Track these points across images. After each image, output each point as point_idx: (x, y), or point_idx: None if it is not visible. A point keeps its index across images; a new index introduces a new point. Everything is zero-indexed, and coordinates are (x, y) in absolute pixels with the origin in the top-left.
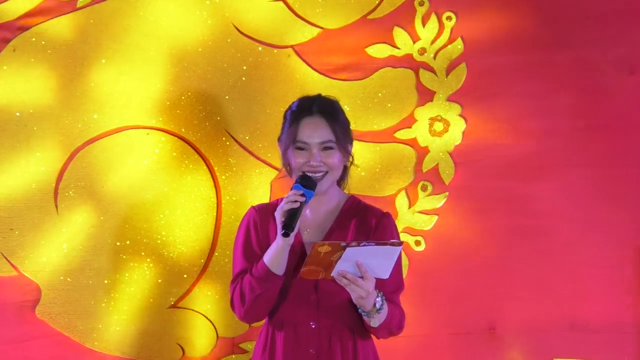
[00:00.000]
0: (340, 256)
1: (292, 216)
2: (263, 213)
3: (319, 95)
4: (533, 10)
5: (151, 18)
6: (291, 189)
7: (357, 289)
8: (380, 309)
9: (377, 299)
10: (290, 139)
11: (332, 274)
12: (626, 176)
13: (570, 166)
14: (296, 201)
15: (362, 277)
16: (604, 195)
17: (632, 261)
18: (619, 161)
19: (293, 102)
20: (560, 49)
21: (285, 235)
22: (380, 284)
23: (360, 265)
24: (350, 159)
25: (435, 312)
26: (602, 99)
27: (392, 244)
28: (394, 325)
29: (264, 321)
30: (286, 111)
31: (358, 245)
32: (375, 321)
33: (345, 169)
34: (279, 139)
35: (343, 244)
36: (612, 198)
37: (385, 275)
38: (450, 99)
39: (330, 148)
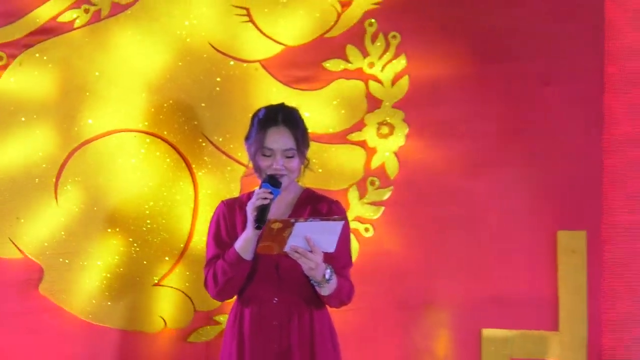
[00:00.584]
0: (291, 232)
1: (262, 211)
2: (230, 207)
3: (283, 105)
4: (467, 30)
5: (139, 37)
6: (260, 187)
7: (307, 261)
8: (329, 279)
9: (327, 271)
10: (258, 145)
11: (284, 249)
12: (545, 172)
13: (499, 164)
14: (266, 198)
15: (311, 251)
16: (526, 189)
17: (550, 245)
18: (539, 159)
19: (260, 110)
20: (490, 63)
21: (258, 228)
22: (331, 260)
23: (309, 240)
24: (306, 162)
25: (381, 289)
26: (525, 106)
27: (335, 219)
28: (343, 295)
29: (234, 298)
30: (253, 116)
31: (305, 221)
32: (325, 290)
33: (306, 164)
34: (246, 139)
35: (292, 220)
36: (533, 191)
37: (331, 249)
38: (395, 106)
39: (292, 156)
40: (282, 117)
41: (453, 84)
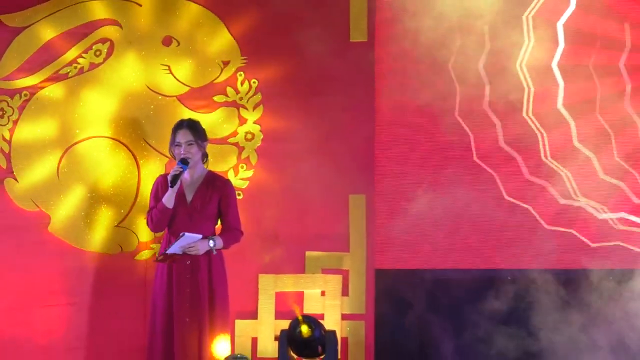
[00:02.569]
0: (178, 239)
1: (175, 177)
2: (163, 178)
3: (188, 118)
4: (298, 77)
5: (111, 81)
6: (176, 165)
7: (194, 250)
8: (214, 247)
9: (210, 243)
10: (172, 141)
11: (177, 252)
12: (341, 156)
13: (315, 156)
14: (177, 170)
15: (193, 247)
16: (332, 169)
17: (345, 203)
18: (339, 147)
19: (176, 122)
20: (312, 97)
21: (172, 185)
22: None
23: (187, 238)
24: (206, 156)
25: (248, 228)
26: (336, 121)
27: (193, 235)
28: (231, 242)
29: (165, 231)
30: (172, 128)
31: (184, 235)
32: (214, 250)
33: (205, 156)
34: (170, 141)
35: (180, 234)
36: (336, 170)
37: (197, 238)
38: (255, 122)
39: (192, 144)
40: (186, 124)
41: (290, 109)
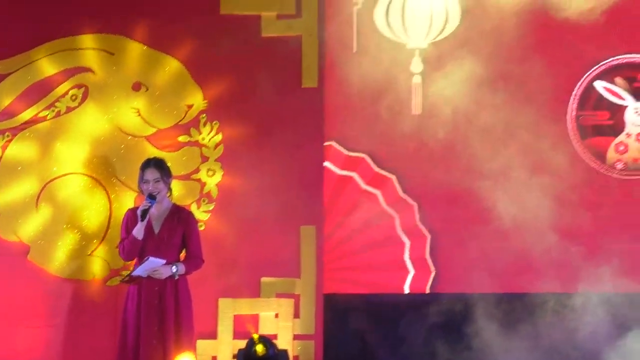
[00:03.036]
0: (143, 262)
1: (144, 212)
2: (132, 211)
3: (154, 157)
4: (261, 115)
5: (85, 123)
6: (145, 200)
7: (158, 274)
8: (176, 273)
9: (173, 269)
10: (140, 178)
11: (142, 274)
12: (293, 189)
13: (270, 187)
14: (146, 205)
15: (156, 271)
16: (285, 203)
17: (297, 233)
18: (292, 182)
19: (144, 161)
20: (272, 136)
21: (142, 219)
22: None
23: (152, 262)
24: (170, 191)
25: (207, 256)
26: (289, 159)
27: (157, 260)
28: (192, 269)
29: (135, 260)
30: (140, 166)
31: (148, 259)
32: (176, 275)
33: (170, 190)
34: (139, 180)
35: (145, 258)
36: (288, 203)
37: (161, 263)
38: (217, 160)
39: (158, 181)
40: (153, 162)
41: (249, 148)
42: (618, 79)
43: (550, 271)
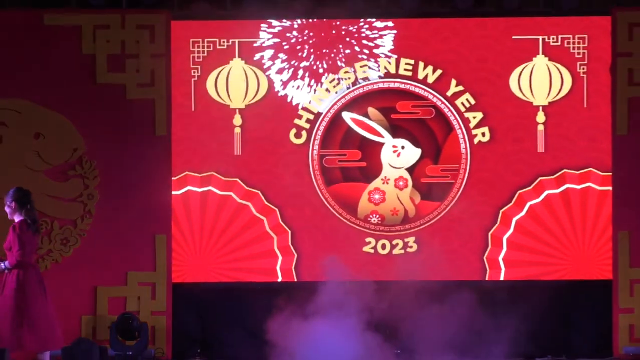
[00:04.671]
0: None
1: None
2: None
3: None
4: (128, 158)
5: (1, 164)
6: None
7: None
8: (4, 268)
9: (1, 265)
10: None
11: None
12: (148, 204)
13: (130, 207)
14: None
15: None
16: (140, 209)
17: (154, 242)
18: (143, 199)
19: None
20: (126, 175)
21: None
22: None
23: None
24: (17, 209)
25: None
26: (140, 190)
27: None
28: (11, 264)
29: None
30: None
31: None
32: (6, 269)
33: (17, 210)
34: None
35: None
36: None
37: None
38: (95, 187)
39: (5, 205)
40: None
41: (118, 177)
42: (371, 109)
43: None
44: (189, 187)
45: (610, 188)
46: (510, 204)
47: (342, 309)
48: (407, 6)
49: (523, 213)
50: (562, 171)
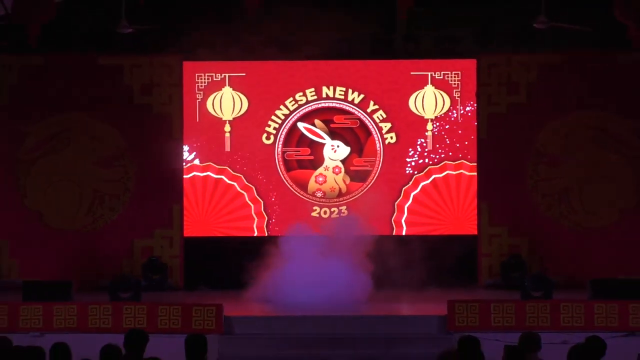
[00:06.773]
0: None
1: None
2: None
3: None
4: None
5: None
6: None
7: None
8: None
9: None
10: None
11: None
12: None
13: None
14: None
15: None
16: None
17: (172, 212)
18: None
19: None
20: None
21: None
22: None
23: None
24: None
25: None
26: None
27: None
28: None
29: None
30: None
31: None
32: None
33: None
34: None
35: None
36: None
37: None
38: None
39: None
40: None
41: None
42: (317, 121)
43: None
44: (194, 173)
45: (475, 174)
46: (409, 184)
47: (298, 255)
48: (345, 51)
49: (418, 190)
50: (444, 162)
